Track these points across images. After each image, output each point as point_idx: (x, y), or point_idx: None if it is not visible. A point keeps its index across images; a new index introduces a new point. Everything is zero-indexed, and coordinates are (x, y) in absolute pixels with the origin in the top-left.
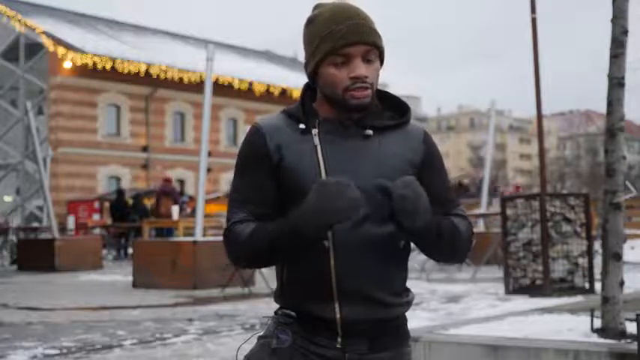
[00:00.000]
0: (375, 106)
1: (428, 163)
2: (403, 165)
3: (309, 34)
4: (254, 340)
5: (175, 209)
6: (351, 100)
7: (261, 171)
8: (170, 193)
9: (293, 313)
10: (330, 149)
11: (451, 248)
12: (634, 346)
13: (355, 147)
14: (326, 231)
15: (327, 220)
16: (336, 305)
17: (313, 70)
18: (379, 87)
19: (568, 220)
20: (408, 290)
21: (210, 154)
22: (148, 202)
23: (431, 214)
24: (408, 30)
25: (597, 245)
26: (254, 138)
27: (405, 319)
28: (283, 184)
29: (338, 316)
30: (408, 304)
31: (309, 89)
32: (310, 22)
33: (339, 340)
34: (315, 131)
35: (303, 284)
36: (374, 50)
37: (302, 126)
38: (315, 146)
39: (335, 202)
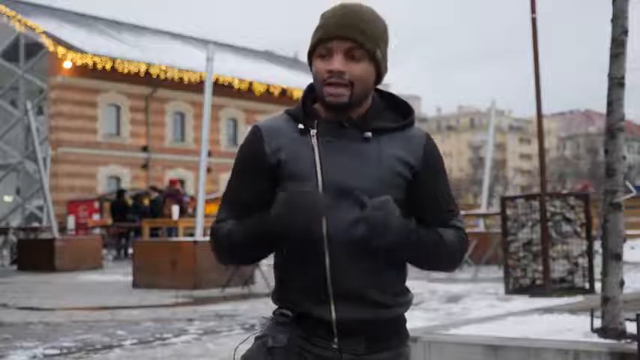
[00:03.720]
0: (376, 107)
1: (427, 171)
2: (402, 169)
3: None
4: (252, 340)
5: (175, 209)
6: (326, 96)
7: (256, 172)
8: (174, 195)
9: (290, 313)
10: (327, 150)
11: (435, 260)
12: (634, 346)
13: (353, 149)
14: (305, 230)
15: (293, 227)
16: (332, 305)
17: (309, 62)
18: (381, 87)
19: (568, 220)
20: (407, 290)
21: (210, 154)
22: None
23: (405, 231)
24: (409, 30)
25: (597, 245)
26: (252, 140)
27: (403, 319)
28: (280, 184)
29: (333, 316)
30: (407, 305)
31: (312, 91)
32: (319, 19)
33: (336, 340)
34: (313, 132)
35: (299, 284)
36: (359, 49)
37: (301, 126)
38: (313, 147)
39: (296, 211)
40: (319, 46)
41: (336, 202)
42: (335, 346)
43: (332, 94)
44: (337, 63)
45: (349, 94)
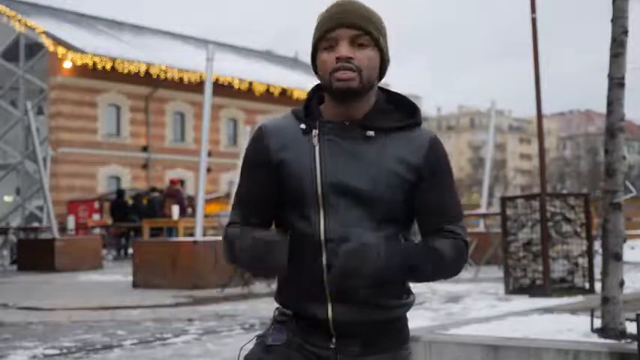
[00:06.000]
0: (380, 106)
1: (432, 175)
2: (402, 169)
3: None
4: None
5: (175, 209)
6: (335, 82)
7: (260, 173)
8: (174, 195)
9: (289, 312)
10: (328, 150)
11: (435, 276)
12: (634, 346)
13: (354, 149)
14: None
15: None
16: (329, 306)
17: (313, 60)
18: (384, 87)
19: (568, 220)
20: (408, 292)
21: (210, 154)
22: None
23: (395, 264)
24: (409, 30)
25: (597, 245)
26: (256, 139)
27: (404, 321)
28: (282, 183)
29: (330, 316)
30: (407, 306)
31: (317, 91)
32: (317, 19)
33: (334, 340)
34: (315, 132)
35: (299, 284)
36: (364, 36)
37: (303, 126)
38: (314, 147)
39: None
40: (322, 40)
41: (335, 202)
42: (332, 347)
43: (341, 79)
44: (344, 49)
45: (359, 79)
